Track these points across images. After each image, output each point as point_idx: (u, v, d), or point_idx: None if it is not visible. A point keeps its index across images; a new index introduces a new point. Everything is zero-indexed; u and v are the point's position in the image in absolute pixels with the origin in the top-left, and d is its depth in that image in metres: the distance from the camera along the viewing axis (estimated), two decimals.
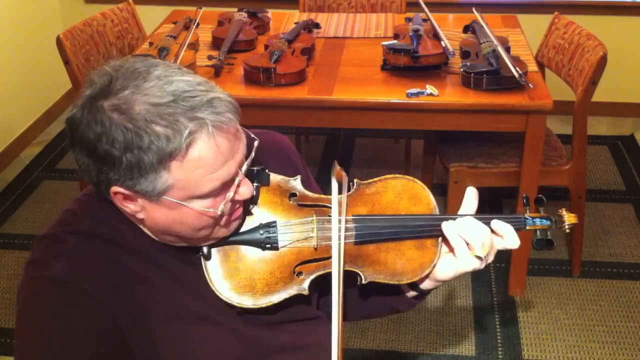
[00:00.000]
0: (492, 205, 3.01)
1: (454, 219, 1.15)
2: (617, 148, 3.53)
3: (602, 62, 2.29)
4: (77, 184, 3.14)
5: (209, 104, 0.93)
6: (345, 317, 1.34)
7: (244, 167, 1.02)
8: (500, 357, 2.34)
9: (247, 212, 1.10)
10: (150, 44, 2.59)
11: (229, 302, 1.07)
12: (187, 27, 2.74)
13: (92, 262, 1.03)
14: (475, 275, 2.69)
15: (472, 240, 1.12)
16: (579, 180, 2.51)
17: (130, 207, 1.00)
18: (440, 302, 2.58)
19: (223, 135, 0.95)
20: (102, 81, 0.95)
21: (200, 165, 0.94)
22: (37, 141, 3.72)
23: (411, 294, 1.25)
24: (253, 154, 1.05)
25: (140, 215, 1.01)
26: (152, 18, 3.19)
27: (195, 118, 0.92)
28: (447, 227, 1.13)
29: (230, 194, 1.00)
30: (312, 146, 3.56)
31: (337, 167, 1.12)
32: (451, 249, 1.15)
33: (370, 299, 1.29)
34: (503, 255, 2.73)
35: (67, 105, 3.94)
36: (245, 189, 1.03)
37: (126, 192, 0.97)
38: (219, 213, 1.00)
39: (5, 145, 3.51)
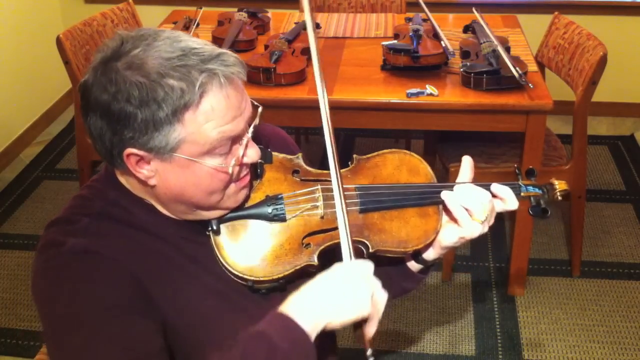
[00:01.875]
0: None
1: (453, 186, 1.18)
2: (617, 148, 3.53)
3: (602, 62, 2.29)
4: (77, 184, 3.14)
5: (217, 57, 0.97)
6: None
7: (250, 130, 1.05)
8: (500, 357, 2.34)
9: (252, 188, 1.13)
10: None
11: (241, 275, 1.08)
12: (187, 27, 2.74)
13: (109, 235, 1.03)
14: (475, 275, 2.69)
15: (472, 207, 1.16)
16: (579, 180, 2.51)
17: (143, 172, 1.01)
18: (440, 302, 2.58)
19: (233, 87, 0.99)
20: (114, 44, 0.98)
21: (212, 117, 0.97)
22: (37, 141, 3.72)
23: (415, 267, 1.27)
24: (257, 119, 1.08)
25: (153, 181, 1.02)
26: (152, 18, 3.19)
27: (206, 70, 0.96)
28: (447, 197, 1.17)
29: (239, 152, 1.03)
30: (312, 146, 3.56)
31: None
32: (453, 218, 1.18)
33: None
34: (503, 255, 2.74)
35: (67, 105, 3.94)
36: (253, 152, 1.06)
37: (140, 152, 0.98)
38: (230, 171, 1.02)
39: (5, 145, 3.51)
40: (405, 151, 1.24)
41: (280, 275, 1.09)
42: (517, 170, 1.31)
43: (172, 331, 1.06)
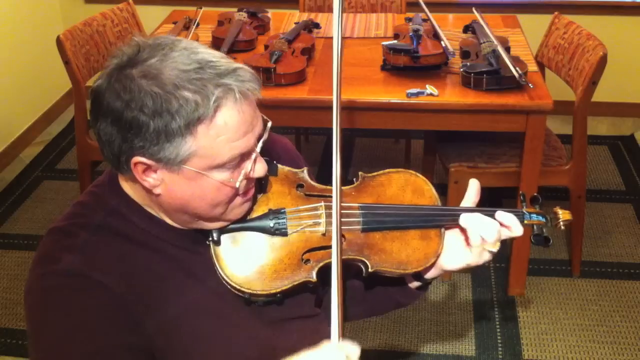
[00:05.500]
0: (492, 206, 3.00)
1: (458, 211, 1.17)
2: (617, 148, 3.53)
3: (602, 62, 2.29)
4: (77, 184, 3.14)
5: (234, 72, 0.97)
6: (348, 315, 1.34)
7: (259, 145, 1.05)
8: (500, 357, 2.34)
9: (256, 201, 1.12)
10: None
11: (238, 287, 1.07)
12: (187, 27, 2.74)
13: (104, 255, 1.03)
14: (475, 275, 2.69)
15: (488, 237, 1.14)
16: (579, 180, 2.51)
17: (149, 180, 1.01)
18: (440, 302, 2.58)
19: (247, 103, 0.99)
20: (130, 51, 0.98)
21: (224, 132, 0.97)
22: (37, 141, 3.72)
23: (414, 284, 1.26)
24: (266, 134, 1.07)
25: (158, 190, 1.02)
26: (152, 18, 3.19)
27: (222, 84, 0.95)
28: (467, 222, 1.15)
29: (248, 167, 1.03)
30: (312, 146, 3.56)
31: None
32: (468, 243, 1.17)
33: (373, 293, 1.30)
34: (503, 255, 2.74)
35: (67, 105, 3.94)
36: (261, 167, 1.06)
37: (148, 161, 0.98)
38: (237, 185, 1.02)
39: (5, 145, 3.51)
40: (411, 171, 1.24)
41: (277, 290, 1.08)
42: (521, 197, 1.29)
43: (162, 349, 1.06)
